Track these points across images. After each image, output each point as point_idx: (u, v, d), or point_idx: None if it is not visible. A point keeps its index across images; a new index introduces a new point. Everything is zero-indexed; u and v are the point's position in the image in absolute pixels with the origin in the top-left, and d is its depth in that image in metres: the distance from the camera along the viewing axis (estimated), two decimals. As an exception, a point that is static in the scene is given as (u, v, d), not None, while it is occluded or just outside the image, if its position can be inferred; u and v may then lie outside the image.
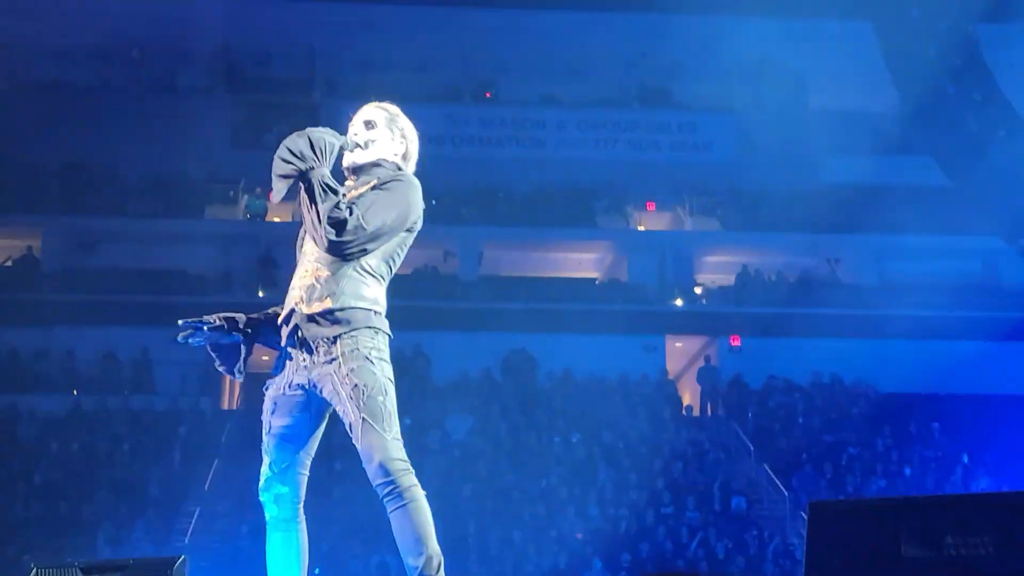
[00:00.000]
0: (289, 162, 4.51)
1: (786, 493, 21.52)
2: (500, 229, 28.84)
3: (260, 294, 27.64)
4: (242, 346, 4.88)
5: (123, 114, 28.74)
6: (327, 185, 4.49)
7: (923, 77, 29.86)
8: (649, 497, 20.98)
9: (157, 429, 23.25)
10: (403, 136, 5.05)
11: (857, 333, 26.04)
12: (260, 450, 5.01)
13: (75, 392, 24.88)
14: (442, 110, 30.52)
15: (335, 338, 4.56)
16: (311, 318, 4.61)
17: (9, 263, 28.04)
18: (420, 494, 4.60)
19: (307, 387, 4.67)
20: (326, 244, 4.50)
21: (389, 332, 4.71)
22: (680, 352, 28.34)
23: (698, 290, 29.22)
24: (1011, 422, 23.86)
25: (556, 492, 20.93)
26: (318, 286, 4.64)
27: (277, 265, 27.96)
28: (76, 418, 23.50)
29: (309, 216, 4.54)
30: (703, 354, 27.53)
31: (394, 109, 5.17)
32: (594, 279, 30.04)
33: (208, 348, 4.89)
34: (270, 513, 4.88)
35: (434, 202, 30.54)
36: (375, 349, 4.60)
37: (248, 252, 27.92)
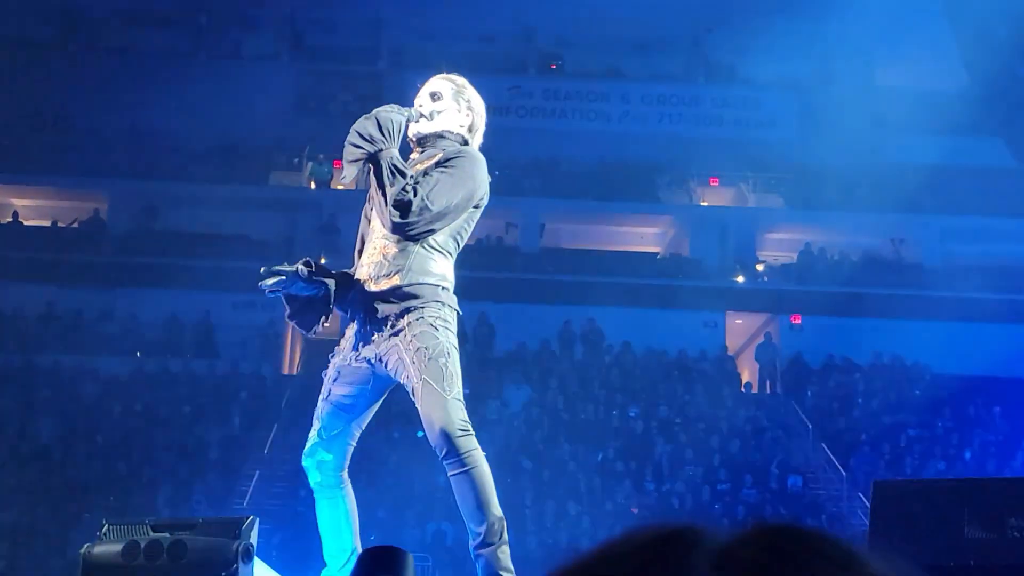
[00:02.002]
0: (359, 146, 4.61)
1: (843, 473, 21.39)
2: (562, 202, 28.79)
3: (322, 260, 27.81)
4: (327, 304, 4.94)
5: (189, 80, 28.96)
6: (395, 167, 4.56)
7: (993, 57, 29.40)
8: (705, 473, 20.95)
9: (218, 393, 23.53)
10: (469, 108, 5.04)
11: (919, 314, 25.73)
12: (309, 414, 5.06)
13: (138, 354, 25.22)
14: (507, 81, 30.48)
15: (402, 312, 4.64)
16: (380, 295, 4.70)
17: (76, 225, 28.44)
18: (480, 457, 4.65)
19: (372, 361, 4.73)
20: (391, 225, 4.61)
21: (457, 308, 4.79)
22: (740, 329, 28.18)
23: (760, 267, 29.01)
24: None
25: (612, 465, 20.95)
26: (386, 263, 4.72)
27: (339, 232, 28.11)
28: (138, 380, 23.83)
29: (377, 198, 4.66)
30: (763, 331, 27.36)
31: (461, 81, 5.17)
32: (656, 254, 29.92)
33: (283, 298, 5.03)
34: (313, 479, 4.92)
35: (496, 173, 30.37)
36: (440, 319, 4.66)
37: (311, 218, 28.09)
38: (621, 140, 29.45)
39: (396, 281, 4.67)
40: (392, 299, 4.67)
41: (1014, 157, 29.30)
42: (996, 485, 5.03)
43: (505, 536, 4.59)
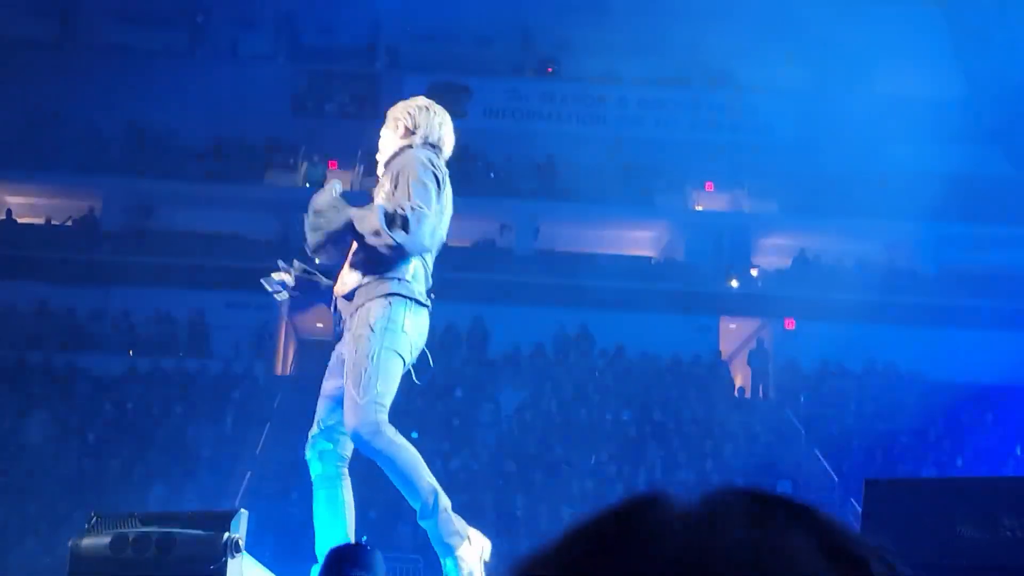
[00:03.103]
0: (317, 229, 5.12)
1: (836, 479, 21.39)
2: (558, 204, 28.78)
3: (317, 260, 27.80)
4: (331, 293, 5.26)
5: (185, 79, 28.96)
6: (362, 214, 4.93)
7: (991, 65, 29.45)
8: (698, 477, 20.94)
9: (211, 392, 23.51)
10: (396, 122, 5.32)
11: (913, 321, 25.77)
12: (310, 416, 5.20)
13: (130, 353, 25.19)
14: (504, 84, 30.50)
15: (354, 312, 4.99)
16: (345, 294, 5.07)
17: (70, 223, 28.40)
18: (396, 445, 4.84)
19: (342, 359, 5.06)
20: (407, 250, 4.92)
21: (419, 298, 5.03)
22: (734, 334, 28.21)
23: (754, 272, 29.02)
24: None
25: (605, 468, 20.94)
26: (348, 268, 5.09)
27: (334, 233, 28.10)
28: (131, 378, 23.80)
29: (378, 246, 4.92)
30: (757, 337, 27.37)
31: (394, 108, 5.43)
32: (650, 258, 29.93)
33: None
34: (314, 471, 5.11)
35: (492, 175, 30.54)
36: (384, 318, 4.91)
37: (305, 219, 28.06)
38: (617, 144, 29.44)
39: (352, 285, 5.02)
40: (347, 300, 5.04)
41: (1010, 165, 29.34)
42: (988, 484, 5.03)
43: (443, 503, 4.89)
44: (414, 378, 5.11)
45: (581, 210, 29.01)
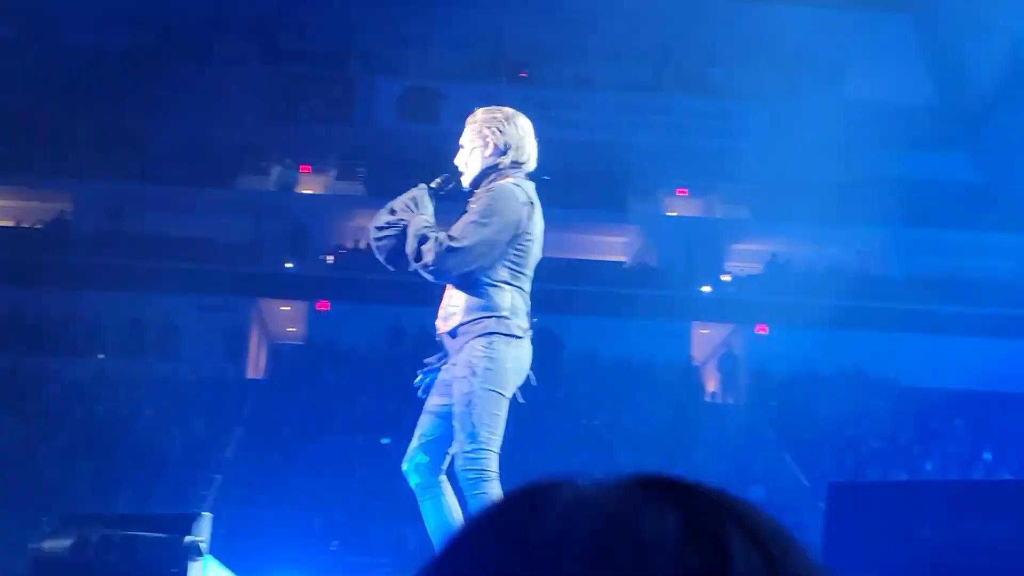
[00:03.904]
0: (380, 237, 5.30)
1: (807, 483, 21.47)
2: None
3: (288, 265, 27.74)
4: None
5: (158, 81, 28.81)
6: (410, 231, 5.16)
7: (959, 72, 29.67)
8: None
9: (181, 396, 23.39)
10: (484, 138, 5.41)
11: (884, 326, 25.89)
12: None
13: (100, 356, 25.04)
14: (476, 89, 30.48)
15: (459, 350, 5.16)
16: (447, 332, 5.25)
17: (40, 226, 28.22)
18: (488, 496, 5.09)
19: (448, 380, 5.26)
20: (431, 276, 5.19)
21: (513, 332, 5.20)
22: (706, 339, 28.28)
23: (726, 277, 29.10)
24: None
25: (576, 474, 20.93)
26: (448, 306, 5.27)
27: (307, 236, 28.07)
28: (101, 382, 23.66)
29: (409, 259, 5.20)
30: (729, 342, 27.44)
31: (474, 118, 5.57)
32: (622, 263, 29.97)
33: None
34: (412, 482, 5.28)
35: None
36: (485, 359, 5.12)
37: (278, 223, 28.00)
38: (590, 149, 29.46)
39: (453, 323, 5.19)
40: (450, 337, 5.22)
41: (978, 171, 29.55)
42: (950, 487, 5.08)
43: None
44: (519, 399, 5.36)
45: (554, 215, 28.79)
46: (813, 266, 28.70)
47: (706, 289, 28.44)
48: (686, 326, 27.65)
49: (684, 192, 30.64)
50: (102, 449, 21.01)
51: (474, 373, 5.06)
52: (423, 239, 5.07)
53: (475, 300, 5.14)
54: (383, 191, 29.02)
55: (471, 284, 5.14)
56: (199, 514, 4.47)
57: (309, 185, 29.87)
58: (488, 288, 5.16)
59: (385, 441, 21.85)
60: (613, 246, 30.29)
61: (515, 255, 5.23)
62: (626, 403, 23.52)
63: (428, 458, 5.25)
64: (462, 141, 5.45)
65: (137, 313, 25.82)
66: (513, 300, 5.22)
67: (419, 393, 5.40)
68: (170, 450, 21.24)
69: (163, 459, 20.99)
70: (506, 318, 5.17)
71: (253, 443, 21.55)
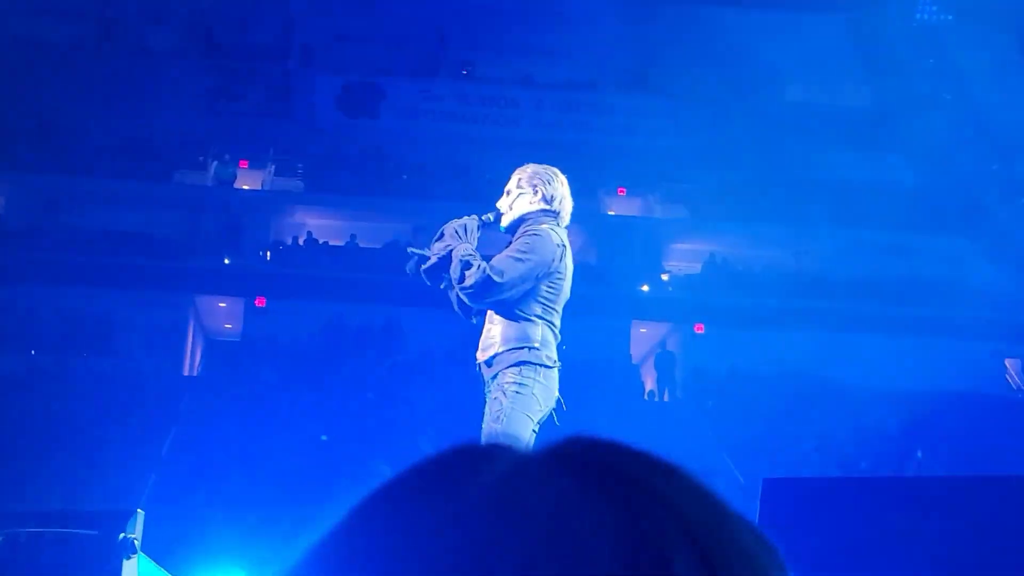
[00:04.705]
0: (431, 259, 5.77)
1: (742, 481, 21.63)
2: (471, 206, 28.61)
3: (226, 261, 27.50)
4: None
5: (94, 74, 28.47)
6: (457, 255, 5.67)
7: (895, 76, 30.07)
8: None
9: (116, 392, 23.12)
10: (534, 186, 6.00)
11: (820, 325, 26.16)
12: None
13: (34, 352, 24.68)
14: (418, 85, 30.44)
15: (493, 377, 5.71)
16: (484, 361, 5.79)
17: (-27, 219, 27.78)
18: None
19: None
20: (468, 301, 5.69)
21: (543, 362, 5.76)
22: (645, 338, 28.41)
23: (665, 277, 29.25)
24: (969, 421, 24.11)
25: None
26: (487, 338, 5.80)
27: (245, 231, 27.86)
28: (35, 378, 23.32)
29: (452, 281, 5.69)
30: (667, 340, 27.58)
31: (527, 166, 6.19)
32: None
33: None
34: None
35: (405, 176, 30.28)
36: (515, 384, 5.64)
37: (215, 218, 27.75)
38: (532, 146, 29.38)
39: (490, 353, 5.73)
40: (490, 365, 5.74)
41: (915, 174, 29.95)
42: (884, 485, 5.14)
43: None
44: (555, 422, 5.97)
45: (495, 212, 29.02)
46: (750, 266, 28.94)
47: (645, 288, 28.56)
48: (625, 324, 27.75)
49: (624, 191, 30.75)
50: (34, 445, 20.71)
51: (505, 395, 5.60)
52: (467, 265, 5.59)
53: (510, 333, 5.71)
54: (322, 187, 29.03)
55: (505, 313, 5.71)
56: (133, 511, 4.41)
57: (247, 180, 29.62)
58: (523, 322, 5.74)
59: (323, 438, 21.76)
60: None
61: (547, 292, 5.81)
62: (565, 401, 23.55)
63: None
64: (509, 187, 6.02)
65: (72, 308, 25.48)
66: (544, 333, 5.80)
67: (407, 269, 5.95)
68: (104, 447, 20.97)
69: (97, 456, 20.73)
70: (537, 349, 5.74)
71: (189, 440, 21.33)
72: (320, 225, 28.75)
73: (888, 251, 28.18)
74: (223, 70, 30.66)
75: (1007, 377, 29.44)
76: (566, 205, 6.13)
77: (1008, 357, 29.38)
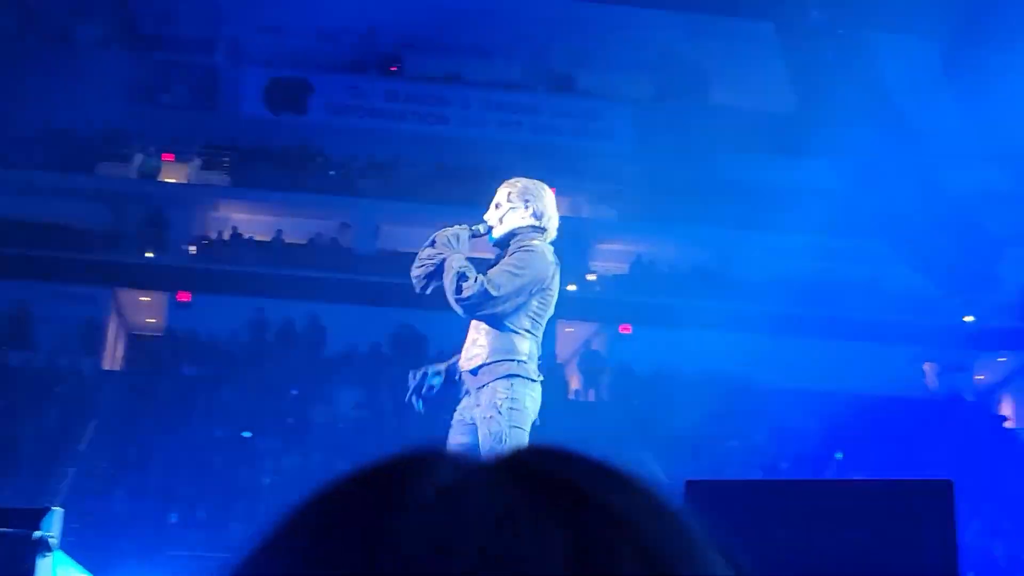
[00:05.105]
0: (421, 266, 5.84)
1: (666, 480, 21.76)
2: (399, 204, 28.64)
3: (149, 254, 27.16)
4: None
5: (16, 63, 27.94)
6: (451, 264, 5.75)
7: (819, 80, 30.46)
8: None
9: (34, 386, 22.73)
10: (526, 202, 6.09)
11: (743, 328, 26.40)
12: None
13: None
14: (346, 81, 30.27)
15: (480, 388, 5.72)
16: (469, 371, 5.80)
17: None
18: None
19: (469, 422, 5.82)
20: (461, 311, 5.75)
21: (532, 376, 5.79)
22: (570, 337, 28.50)
23: (591, 277, 29.36)
24: (888, 423, 24.51)
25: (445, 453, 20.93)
26: (472, 345, 5.82)
27: (167, 225, 27.53)
28: (-50, 371, 22.88)
29: (445, 291, 5.76)
30: (593, 341, 27.70)
31: (516, 181, 6.27)
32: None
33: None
34: None
35: (333, 172, 30.15)
36: (508, 399, 5.68)
37: (138, 211, 27.40)
38: (460, 145, 29.46)
39: (477, 361, 5.74)
40: (473, 376, 5.76)
41: (837, 178, 30.34)
42: (807, 487, 5.21)
43: None
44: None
45: (423, 210, 28.93)
46: (677, 267, 29.15)
47: (572, 288, 28.63)
48: (551, 324, 27.71)
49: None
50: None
51: (500, 412, 5.61)
52: (463, 276, 5.69)
53: (499, 344, 5.73)
54: (249, 181, 28.77)
55: (495, 325, 5.76)
56: (50, 508, 4.32)
57: (172, 173, 29.26)
58: (512, 334, 5.79)
59: (246, 435, 21.57)
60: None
61: (538, 307, 5.91)
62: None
63: None
64: (498, 200, 6.11)
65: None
66: (531, 347, 5.84)
67: (411, 397, 6.06)
68: (22, 442, 20.61)
69: (14, 451, 20.37)
70: (525, 363, 5.77)
71: (109, 436, 21.04)
72: (246, 220, 28.50)
73: (811, 254, 28.52)
74: (148, 62, 30.25)
75: (925, 380, 29.97)
76: (554, 221, 6.22)
77: (926, 361, 29.92)
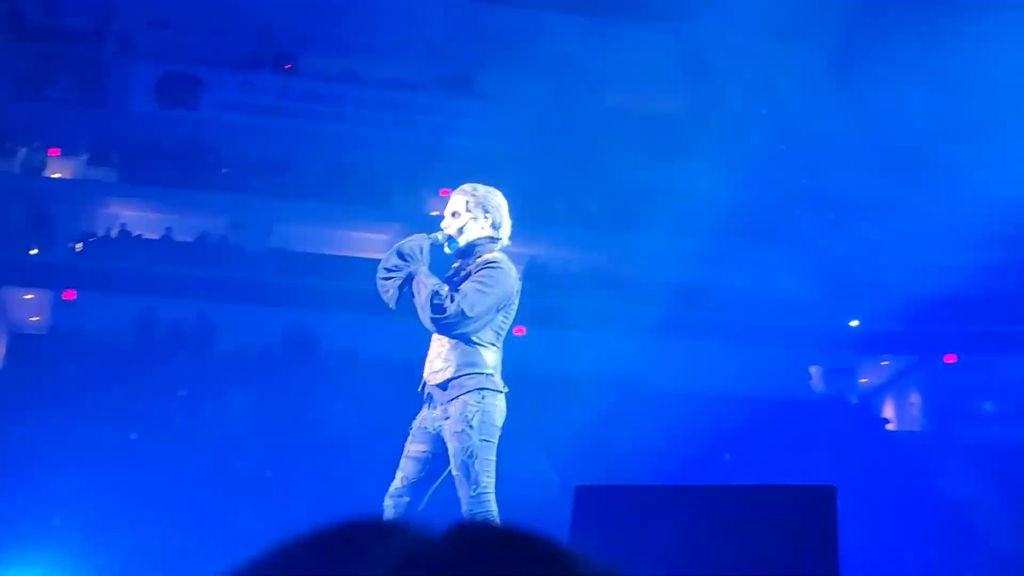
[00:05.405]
0: (388, 278, 5.94)
1: (556, 481, 21.88)
2: (291, 203, 28.38)
3: (33, 251, 26.55)
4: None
5: None
6: (422, 281, 5.86)
7: (712, 86, 30.89)
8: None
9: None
10: (486, 211, 6.23)
11: (636, 329, 26.63)
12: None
13: None
14: (239, 77, 29.89)
15: (449, 401, 5.83)
16: (438, 384, 5.91)
17: None
18: None
19: (432, 432, 5.96)
20: (434, 329, 5.82)
21: (500, 388, 5.96)
22: (464, 339, 28.47)
23: (485, 278, 29.34)
24: (776, 425, 24.94)
25: (330, 472, 20.77)
26: (437, 359, 5.96)
27: (54, 222, 26.93)
28: None
29: (418, 308, 5.86)
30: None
31: (473, 189, 6.43)
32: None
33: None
34: (388, 516, 5.94)
35: (224, 170, 29.72)
36: (479, 412, 5.80)
37: (22, 207, 26.74)
38: (355, 144, 29.28)
39: (447, 375, 5.87)
40: (441, 389, 5.88)
41: (727, 183, 30.78)
42: (695, 492, 5.27)
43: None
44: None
45: (316, 210, 28.72)
46: (569, 269, 29.32)
47: (466, 289, 28.62)
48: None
49: (447, 192, 30.70)
50: None
51: (471, 426, 5.74)
52: (437, 295, 5.78)
53: (467, 358, 5.85)
54: (138, 177, 28.23)
55: (462, 339, 5.86)
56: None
57: (57, 169, 28.60)
58: (479, 348, 5.90)
59: (133, 436, 21.17)
60: (375, 243, 30.15)
61: (502, 320, 6.00)
62: (384, 402, 23.45)
63: (410, 498, 6.01)
64: (456, 208, 6.27)
65: None
66: (496, 359, 6.00)
67: (389, 290, 6.04)
68: None
69: None
70: (492, 375, 5.92)
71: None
72: (134, 217, 27.98)
73: (702, 257, 28.89)
74: (33, 54, 29.51)
75: (811, 383, 30.57)
76: (507, 229, 6.30)
77: (812, 364, 30.52)
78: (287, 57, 31.24)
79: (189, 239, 27.52)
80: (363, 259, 29.20)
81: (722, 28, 30.61)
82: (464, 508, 5.74)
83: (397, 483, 6.04)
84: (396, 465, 6.29)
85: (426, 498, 6.01)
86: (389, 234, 30.14)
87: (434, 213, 30.49)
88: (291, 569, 0.70)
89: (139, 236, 27.35)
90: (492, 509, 5.75)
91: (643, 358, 26.05)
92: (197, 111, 29.19)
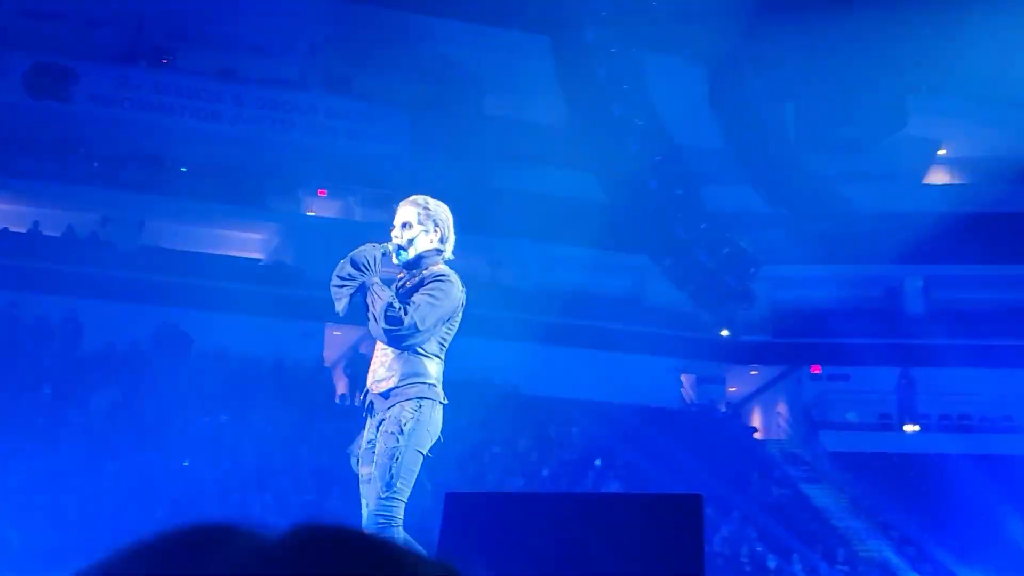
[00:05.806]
0: (341, 287, 5.93)
1: (428, 486, 21.87)
2: (164, 199, 27.91)
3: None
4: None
5: None
6: (377, 293, 5.86)
7: (591, 96, 31.26)
8: (293, 483, 20.85)
9: None
10: (436, 225, 6.25)
11: (509, 336, 26.77)
12: None
13: None
14: (113, 71, 29.30)
15: (387, 408, 5.86)
16: (380, 394, 5.92)
17: None
18: (395, 538, 5.37)
19: (374, 441, 5.91)
20: (385, 340, 5.86)
21: (441, 399, 6.04)
22: (339, 341, 28.33)
23: (360, 280, 29.21)
24: (647, 432, 25.28)
25: (199, 473, 20.48)
26: (380, 368, 5.97)
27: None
28: None
29: (370, 318, 5.87)
30: (361, 344, 27.59)
31: (424, 202, 6.35)
32: (258, 260, 29.57)
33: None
34: None
35: (96, 164, 29.12)
36: (414, 420, 5.86)
37: None
38: (232, 142, 28.92)
39: (391, 384, 5.88)
40: (386, 397, 5.88)
41: (604, 192, 31.16)
42: (565, 500, 5.35)
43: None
44: (428, 454, 6.04)
45: (190, 207, 28.28)
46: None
47: (341, 291, 28.45)
48: (319, 327, 27.58)
49: (324, 193, 30.57)
50: None
51: (402, 432, 5.77)
52: (391, 307, 5.77)
53: (409, 368, 5.89)
54: (5, 169, 27.46)
55: (410, 351, 5.90)
56: None
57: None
58: (422, 358, 5.95)
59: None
60: (249, 242, 29.83)
61: (446, 332, 6.08)
62: (254, 402, 23.21)
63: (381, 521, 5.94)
64: (406, 219, 6.16)
65: None
66: (439, 370, 6.05)
67: (341, 297, 6.00)
68: None
69: None
70: (433, 386, 5.98)
71: None
72: (1, 210, 27.25)
73: (578, 265, 29.18)
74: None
75: (682, 391, 31.07)
76: (452, 243, 6.38)
77: (683, 373, 31.02)
78: (165, 52, 30.72)
79: (57, 234, 26.91)
80: (237, 258, 28.88)
81: (604, 39, 30.98)
82: (370, 508, 5.76)
83: (364, 510, 5.98)
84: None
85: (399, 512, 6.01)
86: (264, 234, 29.85)
87: (310, 213, 30.33)
88: (129, 570, 0.72)
89: (5, 229, 26.65)
90: (397, 516, 5.78)
91: (518, 364, 26.20)
92: (69, 104, 28.52)
